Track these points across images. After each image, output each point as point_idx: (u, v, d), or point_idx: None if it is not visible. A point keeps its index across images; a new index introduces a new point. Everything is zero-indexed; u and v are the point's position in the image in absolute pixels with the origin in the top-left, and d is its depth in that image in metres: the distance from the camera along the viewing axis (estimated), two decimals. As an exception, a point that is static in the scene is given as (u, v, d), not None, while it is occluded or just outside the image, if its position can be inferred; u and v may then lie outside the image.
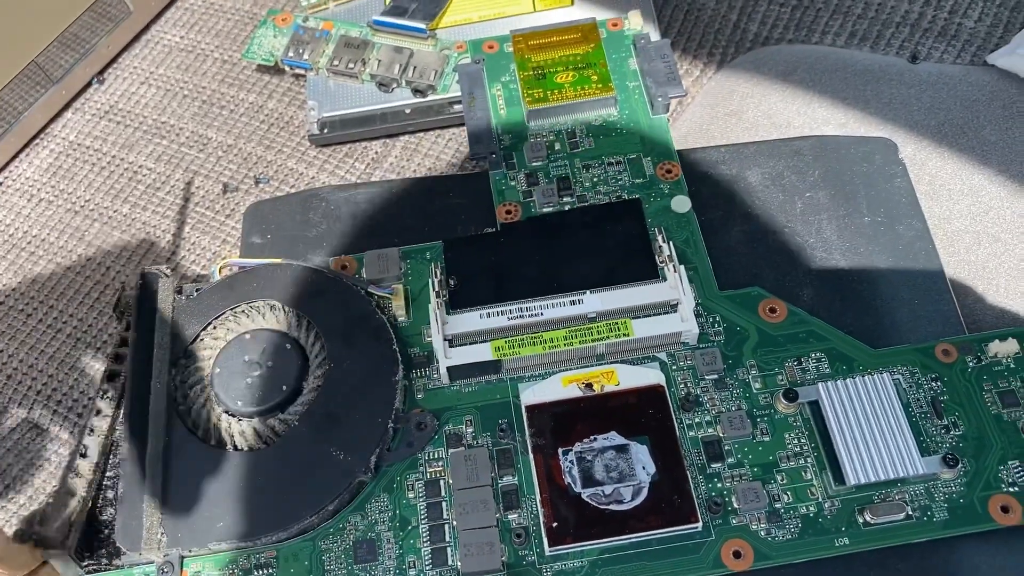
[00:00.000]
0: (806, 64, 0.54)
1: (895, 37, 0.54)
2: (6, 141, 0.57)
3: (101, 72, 0.61)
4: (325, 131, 0.53)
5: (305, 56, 0.54)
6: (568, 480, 0.37)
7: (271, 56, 0.55)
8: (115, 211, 0.54)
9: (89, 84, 0.61)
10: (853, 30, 0.55)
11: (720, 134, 0.52)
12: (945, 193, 0.48)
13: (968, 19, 0.54)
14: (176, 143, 0.56)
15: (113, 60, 0.61)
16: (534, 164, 0.46)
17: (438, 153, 0.54)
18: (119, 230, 0.53)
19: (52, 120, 0.59)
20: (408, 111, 0.53)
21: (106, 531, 0.38)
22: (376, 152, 0.54)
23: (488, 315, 0.41)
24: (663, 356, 0.40)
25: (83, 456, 0.39)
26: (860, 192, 0.45)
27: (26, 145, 0.58)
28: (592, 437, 0.38)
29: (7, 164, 0.58)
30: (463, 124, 0.54)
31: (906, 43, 0.54)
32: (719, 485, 0.37)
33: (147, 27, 0.62)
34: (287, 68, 0.55)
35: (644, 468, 0.37)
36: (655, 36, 0.51)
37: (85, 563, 0.37)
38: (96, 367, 0.48)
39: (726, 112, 0.53)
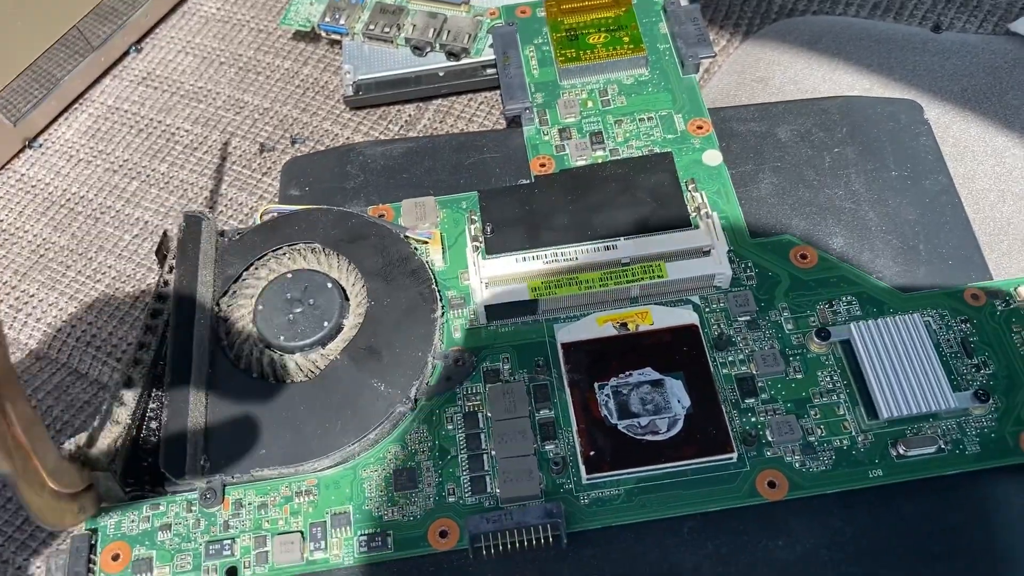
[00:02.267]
0: (831, 34, 0.55)
1: (918, 7, 0.55)
2: (47, 104, 0.59)
3: (139, 41, 0.62)
4: (360, 93, 0.54)
5: (341, 21, 0.55)
6: (604, 412, 0.37)
7: (308, 22, 0.56)
8: (153, 170, 0.55)
9: (127, 53, 0.62)
10: (877, 1, 0.56)
11: (747, 99, 0.53)
12: (969, 155, 0.49)
13: (990, -9, 0.55)
14: (213, 107, 0.57)
15: (151, 30, 0.63)
16: (567, 120, 0.47)
17: (471, 115, 0.55)
18: (157, 187, 0.54)
19: (91, 86, 0.61)
20: (441, 74, 0.54)
21: (149, 459, 0.38)
22: (410, 115, 0.55)
23: (524, 259, 0.42)
24: (696, 299, 0.41)
25: (127, 386, 0.39)
26: (887, 148, 0.46)
27: (66, 109, 0.60)
28: (627, 372, 0.38)
29: (47, 127, 0.59)
30: (496, 87, 0.55)
31: (929, 13, 0.55)
32: (753, 419, 0.37)
33: (183, -1, 0.64)
34: (323, 33, 0.56)
35: (679, 401, 0.37)
36: (684, 2, 0.52)
37: (129, 489, 0.38)
38: (134, 315, 0.49)
39: (753, 78, 0.54)
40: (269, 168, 0.54)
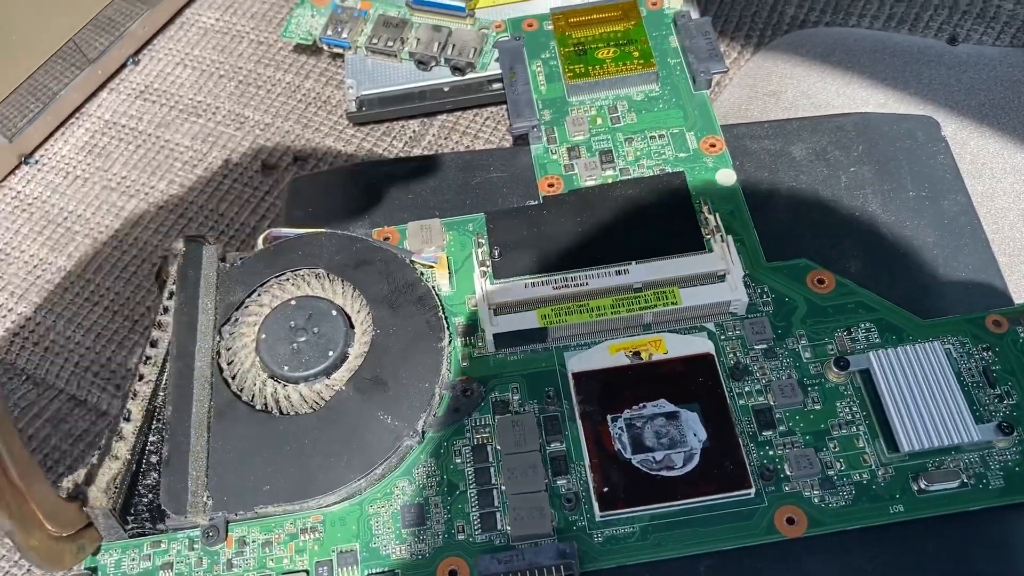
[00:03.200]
0: (844, 46, 0.54)
1: (933, 19, 0.54)
2: (42, 119, 0.57)
3: (136, 53, 0.61)
4: (363, 109, 0.53)
5: (344, 35, 0.54)
6: (618, 446, 0.36)
7: (309, 35, 0.55)
8: (152, 187, 0.54)
9: (124, 65, 0.61)
10: (891, 13, 0.55)
11: (759, 114, 0.52)
12: (988, 172, 0.47)
13: (1007, 1, 0.54)
14: (213, 122, 0.56)
15: (148, 42, 0.62)
16: (576, 138, 0.46)
17: (476, 131, 0.54)
18: (156, 206, 0.53)
19: (88, 99, 0.59)
20: (446, 89, 0.53)
21: (150, 495, 0.37)
22: (414, 130, 0.54)
23: (533, 284, 0.41)
24: (711, 326, 0.40)
25: (126, 420, 0.38)
26: (904, 168, 0.45)
27: (62, 124, 0.58)
28: (641, 404, 0.37)
29: (43, 143, 0.58)
30: (502, 102, 0.54)
31: (944, 25, 0.54)
32: (771, 452, 0.36)
33: (182, 9, 0.63)
34: (325, 47, 0.55)
35: (695, 435, 0.36)
36: (695, 15, 0.51)
37: (129, 526, 0.37)
38: (134, 339, 0.48)
39: (765, 92, 0.53)
40: (271, 187, 0.53)
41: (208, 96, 0.58)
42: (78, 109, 0.59)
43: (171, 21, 0.62)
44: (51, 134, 0.58)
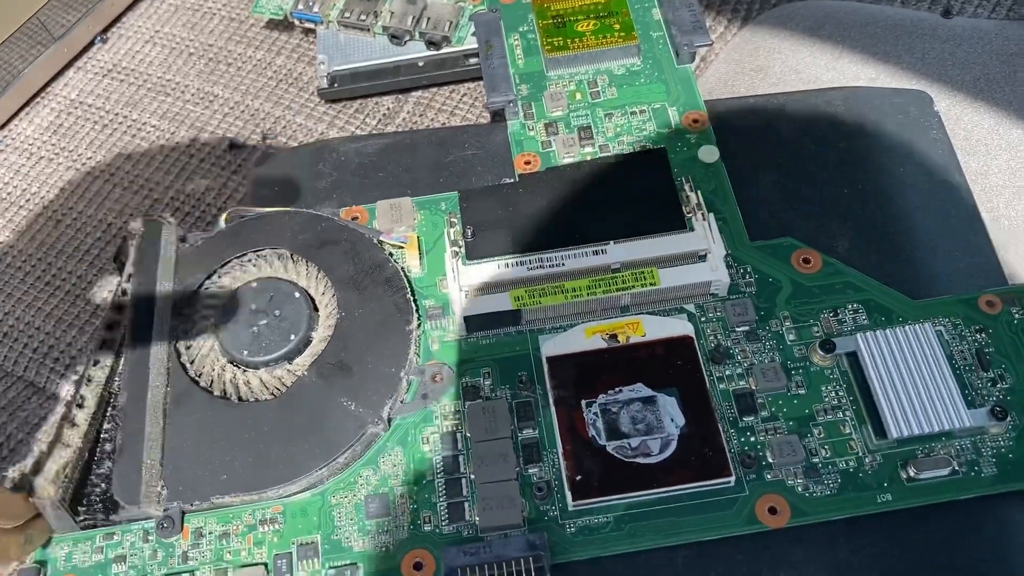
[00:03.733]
0: (834, 19, 0.52)
1: (927, -8, 0.53)
2: (6, 99, 0.56)
3: (104, 31, 0.59)
4: (335, 85, 0.51)
5: (315, 9, 0.52)
6: (592, 433, 0.35)
7: (280, 9, 0.53)
8: (117, 168, 0.52)
9: (92, 43, 0.59)
10: (883, -15, 0.54)
11: (746, 90, 0.50)
12: (982, 148, 0.46)
13: (1003, -27, 0.52)
14: (181, 100, 0.55)
15: (117, 19, 0.60)
16: (554, 114, 0.44)
17: (452, 108, 0.52)
18: (121, 187, 0.51)
19: (53, 78, 0.58)
20: (421, 64, 0.51)
21: (102, 484, 0.36)
22: (388, 107, 0.52)
23: (507, 265, 0.39)
24: (691, 308, 0.38)
25: (80, 407, 0.37)
26: (895, 143, 0.43)
27: (26, 104, 0.57)
28: (617, 389, 0.36)
29: (7, 122, 0.56)
30: (479, 78, 0.52)
31: (938, -2, 0.52)
32: (752, 439, 0.35)
33: (152, -14, 0.61)
34: (296, 21, 0.53)
35: (673, 420, 0.35)
36: (679, -13, 0.49)
37: (80, 517, 0.35)
38: (96, 324, 0.46)
39: (752, 67, 0.51)
40: (239, 166, 0.51)
41: (177, 74, 0.56)
42: (43, 88, 0.57)
43: (140, -3, 0.61)
44: (15, 114, 0.56)
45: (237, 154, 0.52)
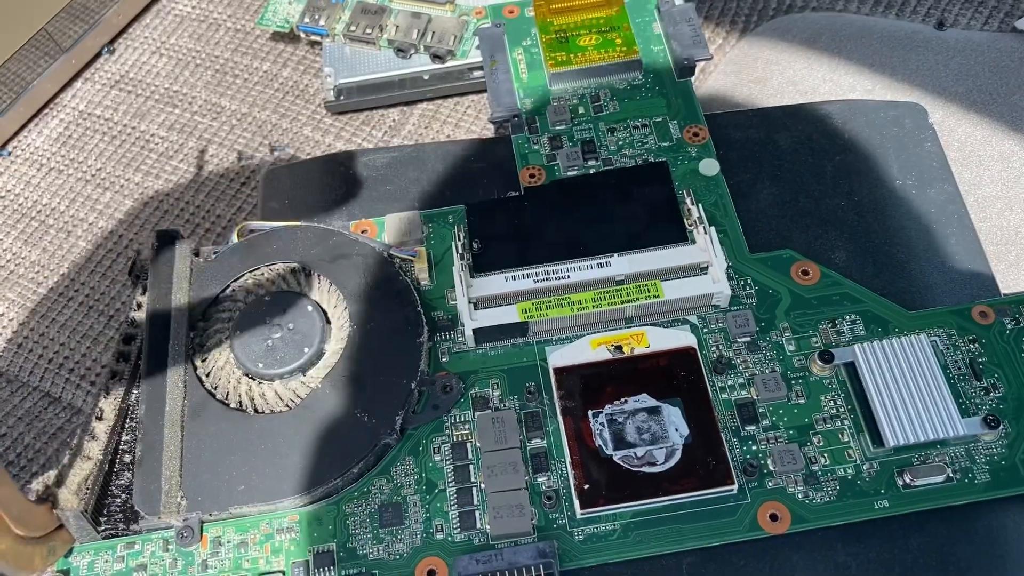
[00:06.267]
0: (830, 31, 0.53)
1: (921, 4, 0.54)
2: (15, 110, 0.56)
3: (111, 42, 0.60)
4: (341, 98, 0.52)
5: (321, 22, 0.53)
6: (599, 442, 0.36)
7: (286, 22, 0.54)
8: (127, 179, 0.53)
9: (99, 54, 0.60)
10: (878, -3, 0.55)
11: (745, 101, 0.51)
12: (975, 159, 0.47)
13: (996, -15, 0.53)
14: (189, 112, 0.55)
15: (123, 30, 0.60)
16: (557, 128, 0.45)
17: (457, 120, 0.53)
18: (131, 198, 0.52)
19: (61, 90, 0.58)
20: (426, 77, 0.52)
21: (123, 495, 0.37)
22: (394, 120, 0.53)
23: (513, 278, 0.40)
24: (693, 319, 0.39)
25: (99, 419, 0.38)
26: (890, 156, 0.44)
27: (35, 115, 0.57)
28: (623, 399, 0.37)
29: (16, 134, 0.57)
30: (483, 91, 0.53)
31: (932, 10, 0.53)
32: (754, 448, 0.36)
33: (158, -3, 0.62)
34: (303, 34, 0.54)
35: (677, 430, 0.36)
36: (678, 1, 0.50)
37: (102, 528, 0.36)
38: (109, 335, 0.47)
39: (750, 79, 0.52)
40: (248, 178, 0.52)
41: (184, 86, 0.57)
42: (52, 100, 0.58)
43: (147, 9, 0.61)
44: (24, 125, 0.57)
45: (246, 167, 0.53)
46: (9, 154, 0.56)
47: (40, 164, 0.55)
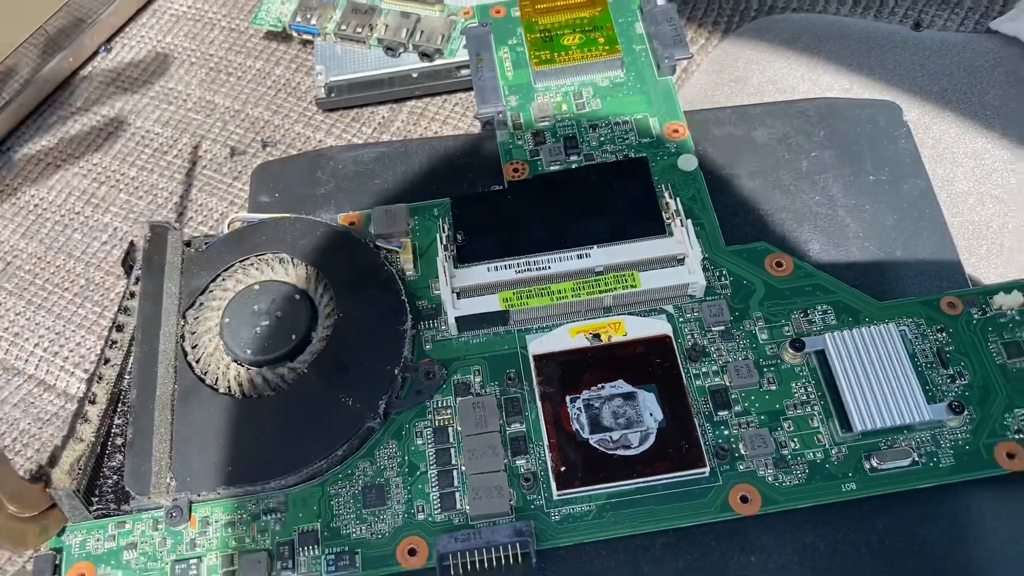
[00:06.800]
0: (810, 32, 0.54)
1: (899, 5, 0.55)
2: (13, 107, 0.58)
3: (108, 41, 0.61)
4: (332, 95, 0.54)
5: (313, 21, 0.54)
6: (576, 426, 0.37)
7: (279, 21, 0.55)
8: (122, 174, 0.54)
9: (96, 53, 0.61)
10: (857, -1, 0.56)
11: (725, 99, 0.52)
12: (949, 156, 0.48)
13: (971, -12, 0.54)
14: (183, 108, 0.57)
15: (120, 29, 0.62)
16: (541, 124, 0.46)
17: (445, 117, 0.54)
18: (126, 192, 0.53)
19: (59, 87, 0.59)
20: (415, 75, 0.53)
21: (114, 476, 0.38)
22: (383, 116, 0.54)
23: (496, 268, 0.41)
24: (670, 308, 0.40)
25: (91, 403, 0.39)
26: (865, 152, 0.45)
27: (33, 111, 0.59)
28: (600, 385, 0.38)
29: (15, 129, 0.58)
30: (470, 88, 0.54)
31: (909, 11, 0.55)
32: (726, 432, 0.37)
33: (154, -3, 0.63)
34: (295, 33, 0.55)
35: (651, 415, 0.37)
36: (661, 1, 0.51)
37: (93, 507, 0.37)
38: (103, 324, 0.48)
39: (731, 78, 0.53)
40: (240, 173, 0.53)
41: (179, 83, 0.58)
42: (49, 97, 0.59)
43: (143, 9, 0.62)
44: (22, 121, 0.58)
45: (238, 161, 0.54)
46: (8, 150, 0.57)
47: (38, 159, 0.56)
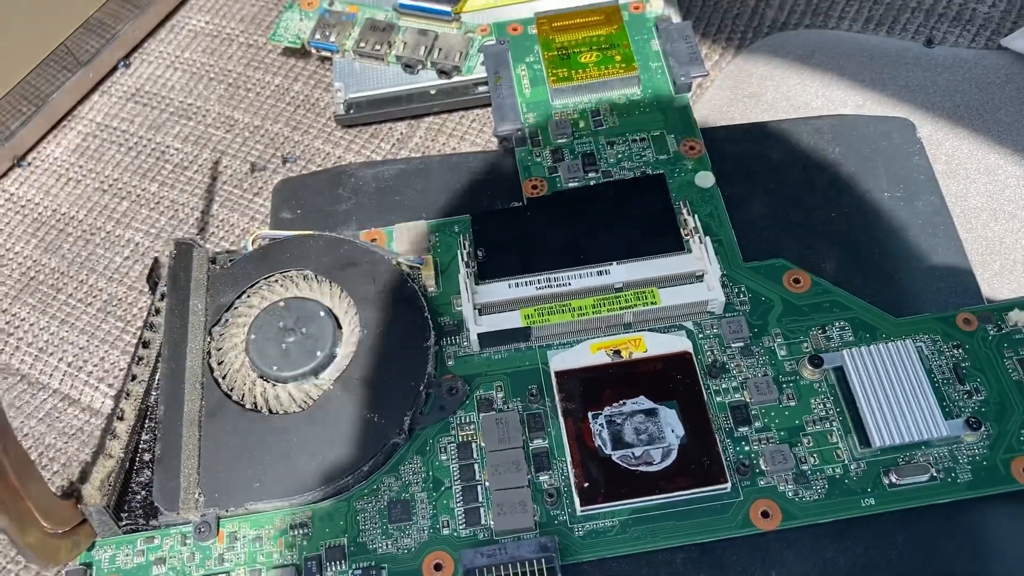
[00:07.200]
0: (823, 48, 0.55)
1: (911, 22, 0.55)
2: (34, 123, 0.58)
3: (127, 56, 0.62)
4: (351, 112, 0.54)
5: (332, 38, 0.55)
6: (598, 442, 0.37)
7: (297, 38, 0.55)
8: (143, 189, 0.55)
9: (115, 68, 0.61)
10: (869, 15, 0.56)
11: (739, 115, 0.53)
12: (962, 172, 0.49)
13: (983, 4, 0.55)
14: (203, 124, 0.57)
15: (139, 45, 0.62)
16: (559, 141, 0.47)
17: (463, 133, 0.55)
18: (147, 208, 0.54)
19: (79, 102, 0.60)
20: (433, 92, 0.54)
21: (143, 492, 0.38)
22: (401, 133, 0.55)
23: (517, 285, 0.42)
24: (689, 325, 0.41)
25: (120, 419, 0.39)
26: (879, 169, 0.46)
27: (54, 127, 0.59)
28: (621, 401, 0.38)
29: (35, 145, 0.59)
30: (487, 105, 0.55)
31: (921, 28, 0.55)
32: (746, 448, 0.37)
33: (172, 13, 0.64)
34: (314, 50, 0.56)
35: (673, 431, 0.37)
36: (676, 19, 0.52)
37: (123, 522, 0.38)
38: (126, 339, 0.49)
39: (745, 94, 0.54)
40: (260, 188, 0.54)
41: (198, 99, 0.58)
42: (70, 112, 0.60)
43: (162, 24, 0.63)
44: (43, 136, 0.59)
45: (259, 177, 0.54)
46: (29, 164, 0.58)
47: (59, 174, 0.57)
